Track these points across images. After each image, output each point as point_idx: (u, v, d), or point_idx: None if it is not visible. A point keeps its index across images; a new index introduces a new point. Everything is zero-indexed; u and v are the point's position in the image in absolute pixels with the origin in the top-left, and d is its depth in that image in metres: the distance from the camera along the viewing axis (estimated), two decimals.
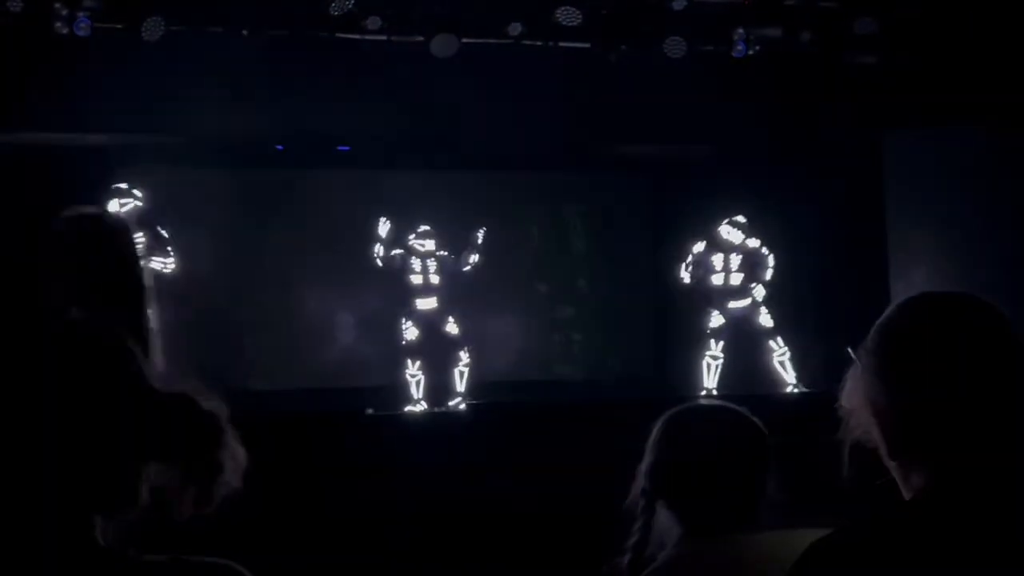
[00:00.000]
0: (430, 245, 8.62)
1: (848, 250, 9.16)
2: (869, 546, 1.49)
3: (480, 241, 8.62)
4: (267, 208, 9.25)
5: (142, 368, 1.54)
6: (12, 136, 8.10)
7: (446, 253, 8.69)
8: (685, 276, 8.78)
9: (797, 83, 8.97)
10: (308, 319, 9.41)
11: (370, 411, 7.93)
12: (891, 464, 1.59)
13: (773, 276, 8.74)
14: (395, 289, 8.85)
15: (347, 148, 9.36)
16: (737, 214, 8.76)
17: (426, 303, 8.54)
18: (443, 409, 8.33)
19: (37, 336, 1.50)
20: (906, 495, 1.58)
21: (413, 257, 8.57)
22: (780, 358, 8.59)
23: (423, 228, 8.64)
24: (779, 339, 8.63)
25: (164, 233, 8.02)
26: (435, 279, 8.56)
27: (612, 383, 9.82)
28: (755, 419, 2.34)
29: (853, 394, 1.64)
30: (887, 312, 1.63)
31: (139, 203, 8.04)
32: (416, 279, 8.55)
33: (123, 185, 8.06)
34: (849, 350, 1.65)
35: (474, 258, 8.63)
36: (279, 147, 9.20)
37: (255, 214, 9.19)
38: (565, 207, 10.32)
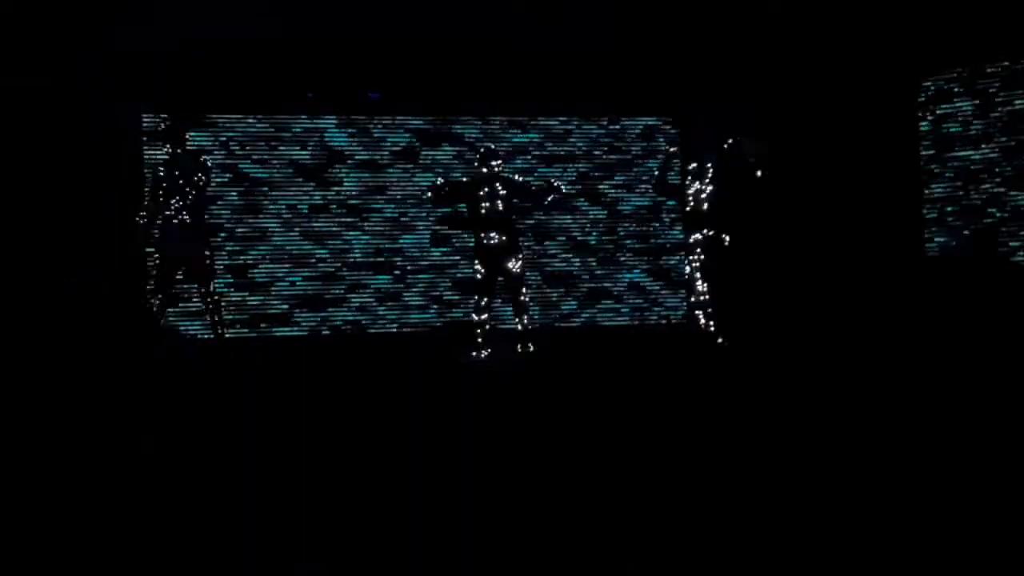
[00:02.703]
0: (496, 167, 8.09)
1: None
2: None
3: (563, 191, 8.33)
4: (298, 153, 9.40)
5: None
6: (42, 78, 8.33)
7: (517, 177, 8.34)
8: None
9: None
10: (336, 265, 9.53)
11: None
12: None
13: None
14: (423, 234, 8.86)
15: (377, 95, 9.38)
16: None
17: (493, 237, 8.07)
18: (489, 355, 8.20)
19: None
20: None
21: (481, 184, 8.06)
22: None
23: (485, 148, 8.25)
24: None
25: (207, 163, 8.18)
26: (502, 206, 8.04)
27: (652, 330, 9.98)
28: None
29: None
30: None
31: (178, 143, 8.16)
32: (484, 205, 8.02)
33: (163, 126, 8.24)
34: None
35: (551, 197, 8.23)
36: (309, 94, 9.26)
37: (286, 159, 9.34)
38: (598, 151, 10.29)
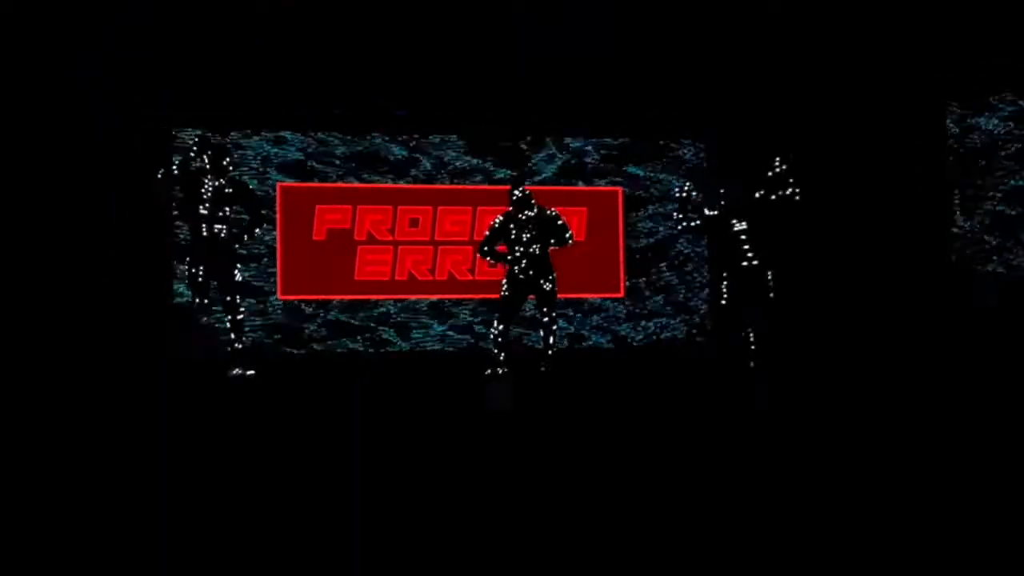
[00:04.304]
0: (529, 212, 8.20)
1: None
2: None
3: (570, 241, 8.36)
4: (329, 170, 9.61)
5: None
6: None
7: (547, 213, 8.30)
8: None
9: None
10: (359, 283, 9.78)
11: None
12: None
13: None
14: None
15: (404, 112, 9.59)
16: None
17: (519, 267, 8.19)
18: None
19: None
20: None
21: (511, 224, 8.17)
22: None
23: (519, 194, 8.23)
24: None
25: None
26: (536, 247, 8.18)
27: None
28: None
29: None
30: None
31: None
32: (517, 248, 8.17)
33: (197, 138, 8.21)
34: None
35: (570, 240, 8.33)
36: (336, 111, 9.43)
37: (316, 176, 9.55)
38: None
